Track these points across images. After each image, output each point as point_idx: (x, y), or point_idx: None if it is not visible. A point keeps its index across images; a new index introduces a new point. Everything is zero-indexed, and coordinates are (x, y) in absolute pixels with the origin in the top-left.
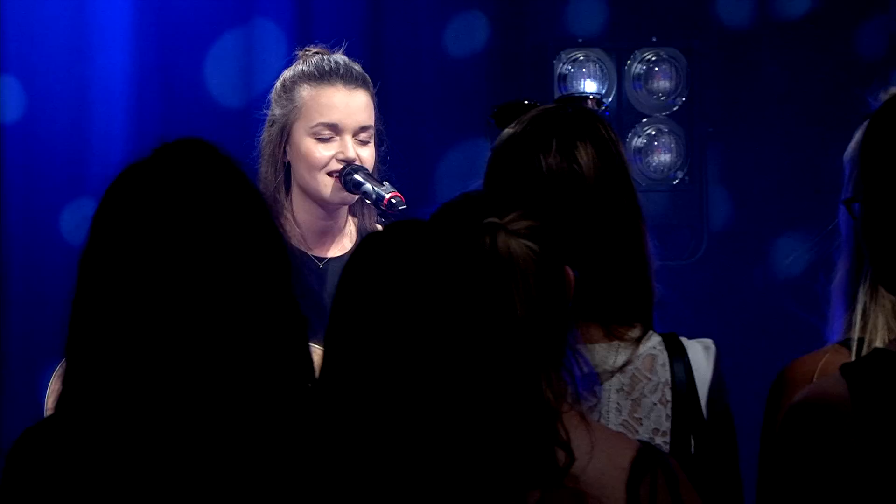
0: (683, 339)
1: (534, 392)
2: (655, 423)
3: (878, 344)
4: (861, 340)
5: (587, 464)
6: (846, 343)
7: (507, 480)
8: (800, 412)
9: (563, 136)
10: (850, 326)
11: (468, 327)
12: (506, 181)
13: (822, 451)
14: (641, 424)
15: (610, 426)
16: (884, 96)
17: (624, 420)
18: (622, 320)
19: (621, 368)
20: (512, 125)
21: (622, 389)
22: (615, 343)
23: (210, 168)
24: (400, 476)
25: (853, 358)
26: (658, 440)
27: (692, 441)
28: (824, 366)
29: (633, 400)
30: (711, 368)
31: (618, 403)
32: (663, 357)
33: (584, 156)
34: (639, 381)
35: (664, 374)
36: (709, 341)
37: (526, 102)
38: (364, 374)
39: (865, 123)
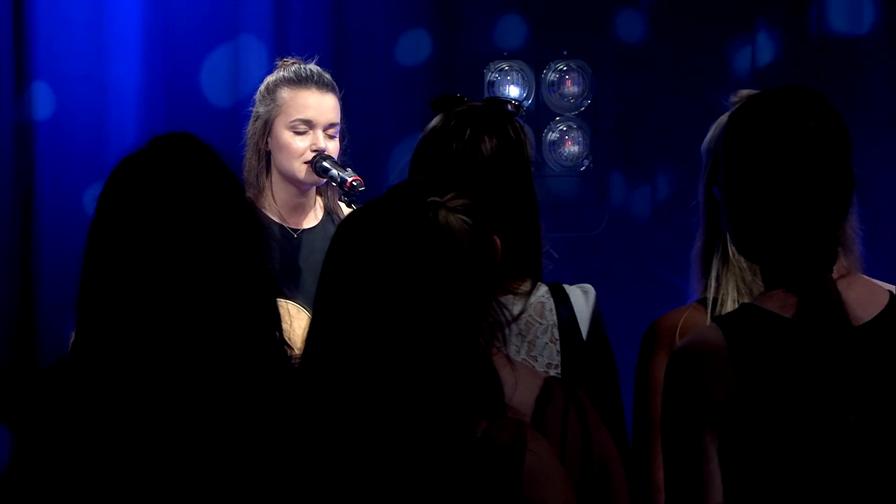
0: (566, 286)
1: (470, 337)
2: (548, 359)
3: (730, 302)
4: (715, 300)
5: (513, 396)
6: (703, 301)
7: (456, 413)
8: (683, 357)
9: (475, 128)
10: (706, 288)
11: (417, 284)
12: (426, 162)
13: (703, 388)
14: (537, 361)
15: None
16: (734, 98)
17: (523, 359)
18: (512, 276)
19: (517, 317)
20: (440, 116)
21: (519, 334)
22: (509, 297)
23: (193, 156)
24: (366, 411)
25: (708, 314)
26: (552, 372)
27: (579, 368)
28: (685, 320)
29: (528, 342)
30: (590, 307)
31: (516, 346)
32: (550, 304)
33: (487, 146)
34: (532, 326)
35: (552, 317)
36: (588, 286)
37: (458, 96)
38: (344, 324)
39: (719, 120)
